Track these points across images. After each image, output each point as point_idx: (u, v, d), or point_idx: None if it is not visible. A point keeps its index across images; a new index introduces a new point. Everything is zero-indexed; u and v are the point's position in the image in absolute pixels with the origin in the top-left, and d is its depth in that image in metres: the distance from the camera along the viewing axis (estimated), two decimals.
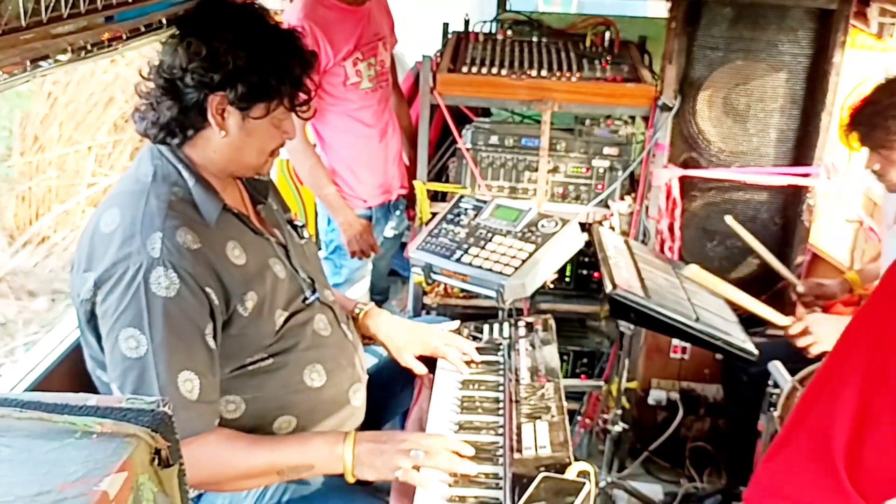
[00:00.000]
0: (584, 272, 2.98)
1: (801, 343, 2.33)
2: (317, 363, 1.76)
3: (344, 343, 1.86)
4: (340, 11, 2.85)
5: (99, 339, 1.58)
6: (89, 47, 1.55)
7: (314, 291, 1.82)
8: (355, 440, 1.61)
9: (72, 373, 2.10)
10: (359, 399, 1.86)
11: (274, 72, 1.60)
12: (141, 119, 1.65)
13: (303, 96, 1.68)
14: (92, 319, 1.58)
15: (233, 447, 1.59)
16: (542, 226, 2.35)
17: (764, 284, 2.86)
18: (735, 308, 2.47)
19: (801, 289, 2.66)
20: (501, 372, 1.98)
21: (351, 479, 1.61)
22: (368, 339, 2.09)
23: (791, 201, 2.93)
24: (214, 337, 1.58)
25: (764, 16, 2.73)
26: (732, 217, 2.65)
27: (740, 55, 2.78)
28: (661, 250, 2.86)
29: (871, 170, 2.29)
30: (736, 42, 2.77)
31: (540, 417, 1.74)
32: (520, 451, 1.62)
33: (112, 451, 0.77)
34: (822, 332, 2.31)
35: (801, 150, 2.84)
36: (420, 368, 2.04)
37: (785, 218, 2.96)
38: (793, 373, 2.19)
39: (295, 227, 1.92)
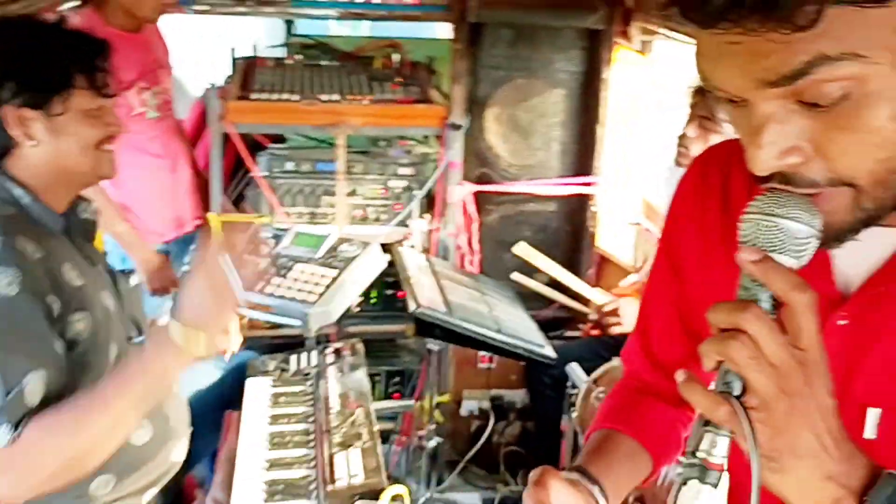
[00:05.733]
0: (390, 292, 3.00)
1: (608, 321, 2.61)
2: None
3: (168, 396, 1.78)
4: (118, 39, 2.68)
5: None
6: None
7: (140, 334, 1.75)
8: None
9: None
10: (179, 454, 1.78)
11: (50, 57, 1.53)
12: None
13: (100, 76, 1.60)
14: None
15: (62, 426, 1.41)
16: (344, 250, 2.35)
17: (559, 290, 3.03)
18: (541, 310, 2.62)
19: (593, 317, 2.87)
20: (311, 402, 1.96)
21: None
22: None
23: (577, 209, 3.12)
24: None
25: (539, 36, 2.90)
26: (524, 241, 2.83)
27: (521, 74, 2.92)
28: (462, 265, 2.94)
29: (684, 133, 2.42)
30: (516, 61, 2.92)
31: (352, 445, 1.73)
32: (333, 482, 1.61)
33: None
34: (629, 314, 2.52)
35: (582, 161, 3.03)
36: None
37: (573, 225, 3.14)
38: (589, 372, 2.33)
39: (123, 272, 1.85)
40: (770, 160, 0.68)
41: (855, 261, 0.79)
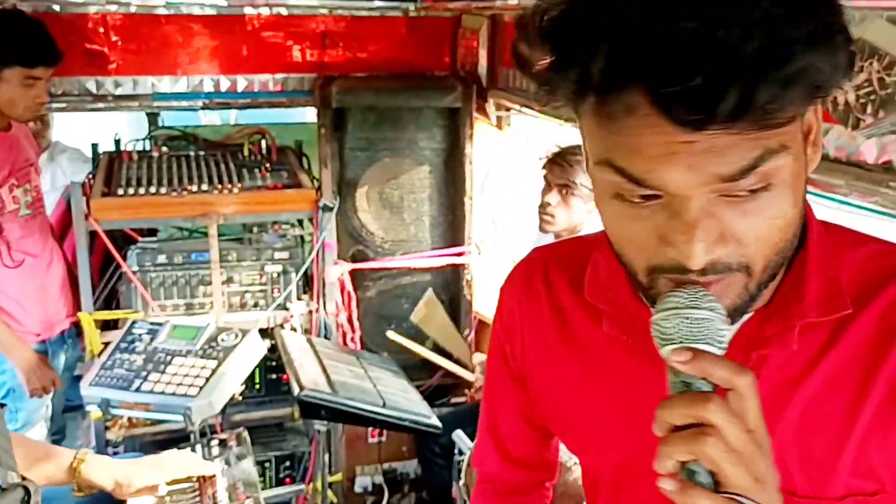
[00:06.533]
0: (274, 376, 2.99)
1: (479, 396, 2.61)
2: None
3: None
4: None
5: None
6: None
7: None
8: None
9: None
10: None
11: None
12: None
13: None
14: None
15: None
16: (222, 340, 2.35)
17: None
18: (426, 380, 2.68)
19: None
20: (198, 499, 1.93)
21: None
22: (90, 490, 1.94)
23: (453, 278, 3.22)
24: None
25: (401, 117, 3.03)
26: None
27: (387, 153, 3.04)
28: (345, 342, 2.98)
29: (544, 202, 2.49)
30: (381, 142, 3.03)
31: None
32: None
33: None
34: None
35: (453, 232, 3.16)
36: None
37: (451, 294, 3.25)
38: (473, 437, 2.39)
39: None
40: (706, 253, 0.69)
41: None
